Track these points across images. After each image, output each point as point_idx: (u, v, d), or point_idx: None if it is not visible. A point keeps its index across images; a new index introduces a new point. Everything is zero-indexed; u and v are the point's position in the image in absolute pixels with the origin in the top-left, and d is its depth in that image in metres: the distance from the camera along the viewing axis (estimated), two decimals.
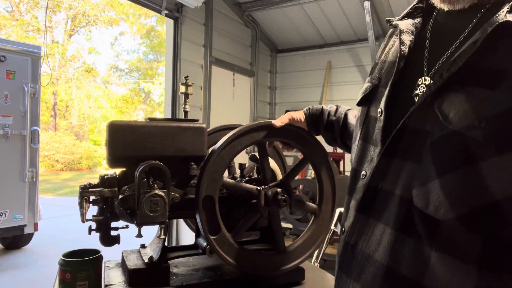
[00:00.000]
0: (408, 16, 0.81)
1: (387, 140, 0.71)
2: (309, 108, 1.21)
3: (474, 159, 0.59)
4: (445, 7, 0.71)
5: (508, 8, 0.60)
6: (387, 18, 0.84)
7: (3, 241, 5.14)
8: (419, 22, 0.78)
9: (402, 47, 0.75)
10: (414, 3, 0.82)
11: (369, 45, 4.69)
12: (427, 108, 0.65)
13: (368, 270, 0.70)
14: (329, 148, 1.30)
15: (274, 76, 6.03)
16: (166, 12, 3.98)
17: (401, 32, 0.77)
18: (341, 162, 4.99)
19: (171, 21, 4.16)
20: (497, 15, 0.61)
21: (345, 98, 5.43)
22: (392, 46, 0.83)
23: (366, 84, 0.85)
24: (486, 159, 0.58)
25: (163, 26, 15.15)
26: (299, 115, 1.18)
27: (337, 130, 1.15)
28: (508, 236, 0.59)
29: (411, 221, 0.65)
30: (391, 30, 0.86)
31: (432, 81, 0.67)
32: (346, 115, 1.14)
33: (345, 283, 0.75)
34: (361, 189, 0.75)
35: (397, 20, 0.80)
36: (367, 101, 0.83)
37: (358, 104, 0.87)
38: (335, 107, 1.18)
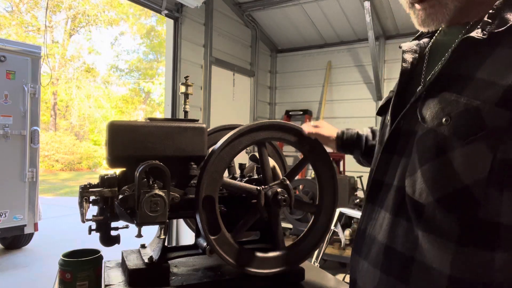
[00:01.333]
0: (416, 39, 0.95)
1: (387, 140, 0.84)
2: (343, 132, 1.24)
3: (444, 151, 0.70)
4: (422, 29, 0.85)
5: (479, 26, 0.72)
6: (400, 45, 0.96)
7: (3, 241, 5.14)
8: (424, 42, 0.92)
9: (403, 64, 0.89)
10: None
11: (369, 45, 4.69)
12: (413, 112, 0.79)
13: (373, 249, 0.83)
14: (329, 148, 1.32)
15: (274, 76, 6.03)
16: (166, 12, 3.98)
17: (403, 52, 0.91)
18: (341, 162, 4.99)
19: (171, 21, 4.16)
20: (465, 33, 0.74)
21: (345, 98, 5.44)
22: None
23: (385, 97, 1.01)
24: (454, 150, 0.69)
25: (163, 26, 15.14)
26: (330, 133, 1.22)
27: None
28: (480, 216, 0.68)
29: (404, 207, 0.77)
30: None
31: (420, 90, 0.81)
32: None
33: (357, 261, 0.89)
34: (369, 183, 0.89)
35: (406, 43, 0.94)
36: (384, 110, 0.97)
37: (378, 114, 1.02)
38: (372, 131, 1.23)
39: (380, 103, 1.02)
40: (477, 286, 0.68)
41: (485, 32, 0.70)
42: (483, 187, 0.67)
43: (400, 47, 0.94)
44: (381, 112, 1.00)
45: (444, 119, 0.70)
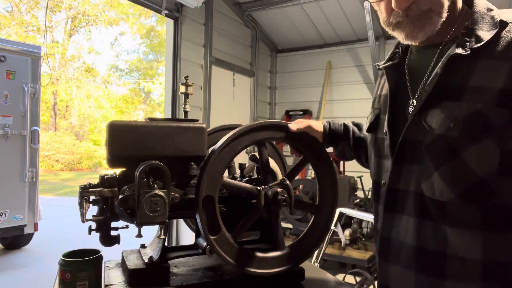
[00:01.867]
0: (390, 60, 1.05)
1: (394, 152, 0.92)
2: (329, 122, 1.24)
3: (457, 152, 0.79)
4: (408, 42, 0.93)
5: (455, 45, 0.83)
6: (376, 64, 1.10)
7: (3, 241, 5.14)
8: (398, 62, 1.02)
9: (390, 82, 0.99)
10: (392, 50, 1.06)
11: (369, 45, 4.68)
12: (417, 123, 0.87)
13: (403, 253, 0.88)
14: (329, 148, 1.31)
15: (274, 76, 6.03)
16: (166, 12, 3.98)
17: (386, 73, 1.02)
18: (341, 162, 4.99)
19: (171, 21, 4.16)
20: (450, 50, 0.84)
21: (345, 98, 5.44)
22: (383, 83, 1.07)
23: (370, 115, 1.09)
24: (465, 149, 0.78)
25: (163, 26, 15.14)
26: (318, 126, 1.21)
27: (364, 147, 1.22)
28: (501, 202, 0.77)
29: (426, 208, 0.84)
30: (380, 72, 1.12)
31: (416, 103, 0.91)
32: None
33: (386, 268, 0.94)
34: (384, 194, 0.95)
35: (382, 64, 1.05)
36: (374, 127, 1.06)
37: (367, 131, 1.10)
38: (356, 124, 1.26)
39: (367, 121, 1.10)
40: (510, 266, 0.77)
41: (467, 48, 0.81)
42: (495, 177, 0.76)
43: (379, 68, 1.06)
44: (370, 129, 1.07)
45: (452, 124, 0.79)
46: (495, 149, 0.76)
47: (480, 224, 0.78)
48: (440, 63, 0.85)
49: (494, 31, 0.81)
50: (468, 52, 0.81)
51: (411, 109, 0.91)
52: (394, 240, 0.92)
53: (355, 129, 1.25)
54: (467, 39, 0.83)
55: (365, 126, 1.12)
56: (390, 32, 0.93)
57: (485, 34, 0.82)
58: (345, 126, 1.24)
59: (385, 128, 0.96)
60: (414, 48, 1.00)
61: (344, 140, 1.23)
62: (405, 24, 0.88)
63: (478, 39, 0.81)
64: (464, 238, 0.79)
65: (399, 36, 0.92)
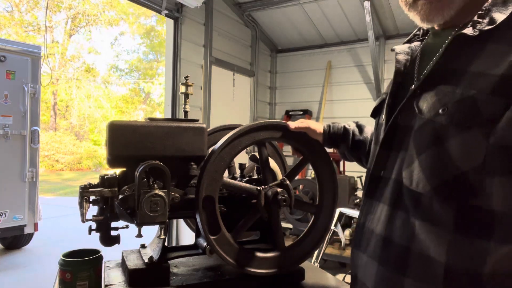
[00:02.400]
0: (408, 42, 0.98)
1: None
2: (329, 126, 1.23)
3: (441, 140, 0.72)
4: (424, 25, 0.87)
5: (470, 24, 0.75)
6: (392, 48, 1.00)
7: (3, 241, 5.14)
8: (415, 45, 0.95)
9: (397, 65, 0.93)
10: (414, 32, 1.00)
11: (369, 45, 4.68)
12: (409, 107, 0.81)
13: (372, 242, 0.84)
14: (329, 149, 1.31)
15: (274, 76, 6.03)
16: (166, 12, 3.98)
17: (396, 53, 0.95)
18: (341, 162, 4.99)
19: (171, 21, 4.16)
20: (456, 31, 0.77)
21: (345, 98, 5.43)
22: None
23: (378, 100, 1.04)
24: (450, 138, 0.71)
25: (163, 26, 15.13)
26: (318, 128, 1.20)
27: (364, 149, 1.19)
28: (476, 204, 0.69)
29: (401, 198, 0.79)
30: None
31: (414, 86, 0.83)
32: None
33: (357, 256, 0.90)
34: (368, 178, 0.91)
35: (398, 46, 0.98)
36: (378, 112, 1.01)
37: (372, 116, 1.05)
38: (358, 125, 1.23)
39: (374, 104, 1.05)
40: (473, 275, 0.69)
41: (476, 30, 0.74)
42: (479, 174, 0.68)
43: (392, 50, 0.98)
44: (374, 113, 1.03)
45: (441, 110, 0.73)
46: (482, 142, 0.67)
47: (450, 224, 0.70)
48: (444, 44, 0.79)
49: (509, 12, 0.73)
50: (476, 34, 0.73)
51: (411, 90, 0.85)
52: (367, 228, 0.87)
53: (356, 131, 1.23)
54: (481, 20, 0.75)
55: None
56: (406, 11, 0.87)
57: (500, 16, 0.74)
58: (345, 129, 1.22)
59: (384, 112, 0.91)
60: (432, 31, 0.92)
61: (343, 143, 1.22)
62: (422, 4, 0.81)
63: (491, 21, 0.74)
64: (431, 236, 0.72)
65: (415, 18, 0.85)
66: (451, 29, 0.83)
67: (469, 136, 0.69)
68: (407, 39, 1.00)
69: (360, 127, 1.23)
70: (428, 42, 0.92)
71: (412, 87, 0.83)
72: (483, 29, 0.74)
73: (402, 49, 0.95)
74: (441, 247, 0.71)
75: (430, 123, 0.74)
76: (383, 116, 0.91)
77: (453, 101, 0.72)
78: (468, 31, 0.74)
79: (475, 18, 0.75)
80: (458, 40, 0.76)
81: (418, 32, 0.98)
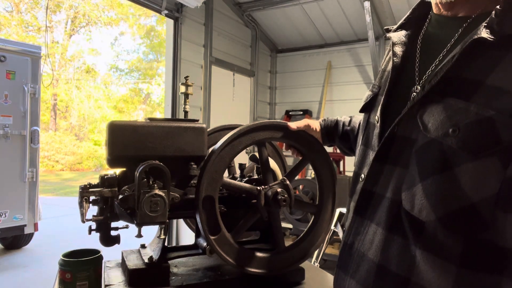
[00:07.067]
0: (402, 27, 0.85)
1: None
2: (324, 120, 1.23)
3: (450, 165, 0.63)
4: (440, 11, 0.76)
5: (485, 23, 0.64)
6: (385, 28, 0.89)
7: (3, 241, 5.14)
8: (412, 32, 0.83)
9: (394, 59, 0.80)
10: (407, 14, 0.86)
11: (369, 45, 4.68)
12: (412, 118, 0.70)
13: (362, 267, 0.75)
14: (329, 148, 1.31)
15: (274, 76, 6.02)
16: (166, 12, 3.98)
17: (393, 44, 0.82)
18: (341, 162, 4.99)
19: (171, 21, 4.16)
20: (476, 30, 0.65)
21: (345, 98, 5.43)
22: (391, 56, 0.86)
23: (368, 93, 0.92)
24: (461, 165, 0.62)
25: (163, 26, 15.13)
26: (315, 125, 1.21)
27: (352, 139, 1.18)
28: (487, 238, 0.62)
29: (400, 222, 0.70)
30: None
31: (419, 92, 0.72)
32: (359, 124, 1.16)
33: (342, 280, 0.80)
34: (358, 191, 0.80)
35: (392, 32, 0.86)
36: (368, 108, 0.89)
37: (361, 111, 0.93)
38: (349, 118, 1.22)
39: (362, 99, 0.93)
40: None
41: (495, 32, 0.63)
42: (491, 207, 0.60)
43: (388, 38, 0.86)
44: (364, 110, 0.92)
45: (451, 130, 0.63)
46: (500, 172, 0.59)
47: (457, 256, 0.63)
48: (458, 47, 0.66)
49: None
50: (495, 39, 0.62)
51: (413, 96, 0.73)
52: (357, 250, 0.77)
53: (346, 122, 1.20)
54: (501, 19, 0.63)
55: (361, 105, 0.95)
56: None
57: None
58: (337, 121, 1.22)
59: (378, 113, 0.80)
60: (434, 17, 0.79)
61: (337, 136, 1.22)
62: None
63: None
64: (435, 268, 0.64)
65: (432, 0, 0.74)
66: (461, 19, 0.72)
67: (484, 164, 0.60)
68: (400, 22, 0.86)
69: (350, 118, 1.20)
70: (430, 32, 0.80)
71: (414, 94, 0.73)
72: (504, 34, 0.62)
73: (399, 38, 0.83)
74: (445, 281, 0.64)
75: (437, 143, 0.65)
76: (377, 117, 0.80)
77: (467, 122, 0.61)
78: (486, 35, 0.63)
79: (494, 14, 0.64)
80: (473, 45, 0.64)
81: (411, 16, 0.86)
